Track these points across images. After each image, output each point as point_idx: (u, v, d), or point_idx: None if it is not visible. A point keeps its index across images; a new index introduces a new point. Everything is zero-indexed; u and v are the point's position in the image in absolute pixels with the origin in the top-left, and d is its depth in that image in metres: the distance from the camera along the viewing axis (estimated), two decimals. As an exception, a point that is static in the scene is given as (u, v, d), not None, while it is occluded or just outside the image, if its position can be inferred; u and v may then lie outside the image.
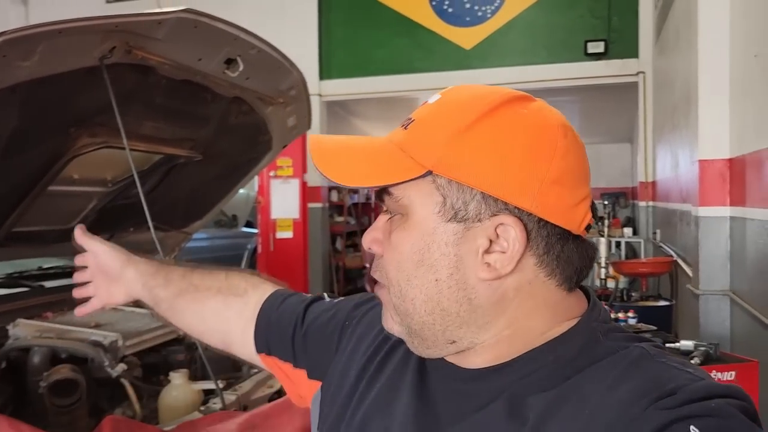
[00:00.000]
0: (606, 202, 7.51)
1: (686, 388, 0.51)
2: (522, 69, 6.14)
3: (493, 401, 0.59)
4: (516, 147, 0.56)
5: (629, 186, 9.17)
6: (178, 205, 2.60)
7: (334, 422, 0.71)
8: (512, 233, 0.56)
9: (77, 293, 1.06)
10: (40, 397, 1.70)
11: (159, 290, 0.96)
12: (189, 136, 2.32)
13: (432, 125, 0.59)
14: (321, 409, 0.77)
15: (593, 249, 0.62)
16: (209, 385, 1.81)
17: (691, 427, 0.47)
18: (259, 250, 5.63)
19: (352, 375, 0.73)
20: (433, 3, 6.44)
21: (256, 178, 5.42)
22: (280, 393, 1.83)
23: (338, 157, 0.63)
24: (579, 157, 0.60)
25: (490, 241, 0.57)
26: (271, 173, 5.47)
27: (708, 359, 1.95)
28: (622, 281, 4.04)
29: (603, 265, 3.66)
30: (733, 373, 1.94)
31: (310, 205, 6.02)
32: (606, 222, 5.62)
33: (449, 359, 0.64)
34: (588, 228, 0.60)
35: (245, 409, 1.73)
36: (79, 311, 1.05)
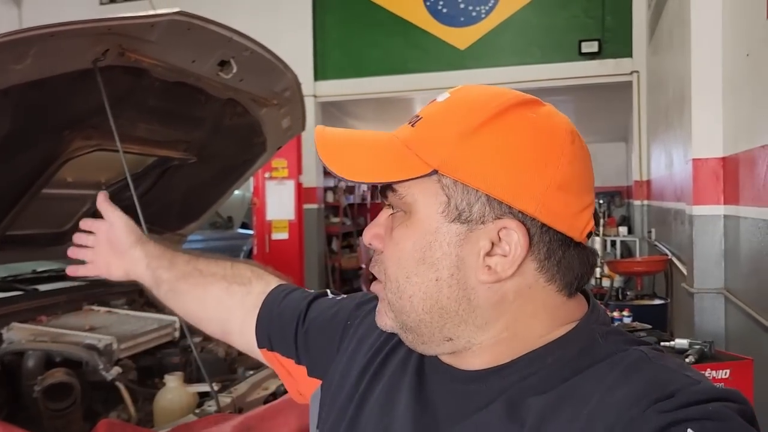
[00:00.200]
0: (601, 201, 7.54)
1: (685, 391, 0.51)
2: (516, 69, 6.15)
3: (491, 402, 0.58)
4: (523, 151, 0.56)
5: (624, 185, 9.20)
6: (173, 207, 2.60)
7: (334, 423, 0.71)
8: (515, 237, 0.56)
9: (72, 252, 1.04)
10: (34, 401, 1.69)
11: (162, 272, 0.95)
12: (183, 138, 2.32)
13: (440, 125, 0.59)
14: (320, 408, 0.77)
15: (594, 256, 0.62)
16: (204, 387, 1.81)
17: (689, 430, 0.47)
18: (255, 251, 5.62)
19: (353, 376, 0.73)
20: (428, 3, 6.44)
21: (252, 180, 5.41)
22: (275, 395, 1.83)
23: (343, 151, 0.63)
24: (585, 164, 0.60)
25: (492, 244, 0.57)
26: (267, 175, 5.46)
27: (703, 357, 1.96)
28: (618, 280, 4.06)
29: (598, 264, 3.68)
30: (728, 371, 1.94)
31: (306, 206, 6.01)
32: (601, 221, 5.64)
33: (447, 361, 0.64)
34: (589, 235, 0.60)
35: (240, 411, 1.73)
36: (71, 270, 1.04)
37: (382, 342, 0.73)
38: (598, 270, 3.67)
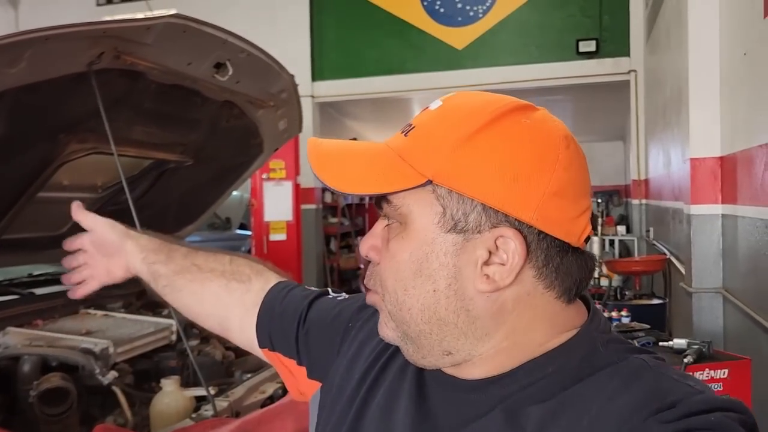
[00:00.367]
0: (599, 201, 7.54)
1: (686, 401, 0.50)
2: (514, 68, 6.14)
3: (491, 411, 0.58)
4: (518, 159, 0.56)
5: (622, 184, 9.20)
6: (170, 210, 2.59)
7: (334, 427, 0.71)
8: (512, 246, 0.56)
9: (67, 279, 1.03)
10: (30, 406, 1.69)
11: (159, 266, 0.94)
12: (179, 141, 2.31)
13: (432, 134, 0.59)
14: (320, 412, 0.76)
15: (593, 261, 0.62)
16: (201, 391, 1.81)
17: None
18: (253, 252, 5.62)
19: (354, 380, 0.72)
20: (425, 3, 6.43)
21: (249, 181, 5.40)
22: (272, 398, 1.83)
23: (336, 162, 0.62)
24: (580, 168, 0.59)
25: (490, 253, 0.57)
26: (264, 176, 5.45)
27: (701, 357, 1.95)
28: (616, 280, 4.06)
29: (597, 267, 3.68)
30: (726, 370, 1.94)
31: (304, 206, 6.01)
32: (599, 221, 5.65)
33: (447, 371, 0.63)
34: (587, 240, 0.60)
35: (237, 415, 1.72)
36: (76, 293, 1.03)
37: (383, 347, 0.72)
38: (596, 270, 3.67)
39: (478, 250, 0.57)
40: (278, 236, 5.45)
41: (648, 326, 2.55)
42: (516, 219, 0.56)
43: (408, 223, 0.59)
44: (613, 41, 5.93)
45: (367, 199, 8.72)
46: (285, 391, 1.79)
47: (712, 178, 2.81)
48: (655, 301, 3.49)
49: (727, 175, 2.71)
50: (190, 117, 2.22)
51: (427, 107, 0.63)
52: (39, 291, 2.42)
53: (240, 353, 2.22)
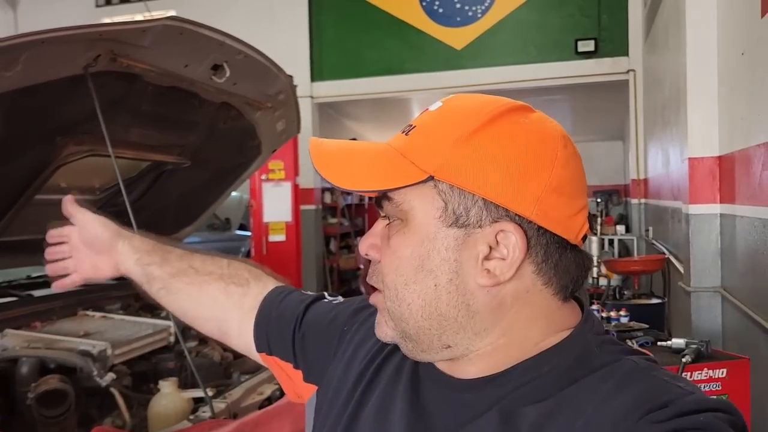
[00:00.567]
0: (599, 200, 7.54)
1: (677, 402, 0.51)
2: (513, 68, 6.14)
3: (487, 411, 0.59)
4: (518, 155, 0.57)
5: (622, 183, 9.20)
6: (168, 212, 2.59)
7: (330, 429, 0.71)
8: (512, 240, 0.57)
9: (51, 269, 1.01)
10: (28, 408, 1.69)
11: (154, 268, 0.92)
12: (177, 143, 2.31)
13: (434, 132, 0.60)
14: (316, 414, 0.76)
15: (589, 260, 0.63)
16: (199, 393, 1.81)
17: None
18: (252, 253, 5.62)
19: (349, 383, 0.72)
20: (424, 3, 6.43)
21: (248, 181, 5.40)
22: (270, 400, 1.83)
23: (338, 160, 0.63)
24: (578, 167, 0.61)
25: (490, 248, 0.57)
26: (263, 176, 5.44)
27: (699, 357, 1.95)
28: (615, 279, 4.06)
29: (595, 263, 3.67)
30: (725, 370, 1.93)
31: (304, 207, 6.00)
32: (598, 220, 5.65)
33: (443, 368, 0.64)
34: (584, 238, 0.61)
35: (235, 417, 1.73)
36: (58, 284, 1.01)
37: (378, 349, 0.73)
38: (595, 269, 3.67)
39: (479, 244, 0.58)
40: (277, 237, 5.45)
41: (647, 326, 2.55)
42: (516, 214, 0.57)
43: (409, 219, 0.60)
44: (611, 41, 5.93)
45: (366, 199, 8.72)
46: (283, 393, 1.79)
47: (710, 177, 2.81)
48: (654, 301, 3.48)
49: (726, 174, 2.71)
50: (188, 119, 2.22)
51: (427, 108, 0.64)
52: (37, 293, 2.42)
53: (238, 355, 2.22)
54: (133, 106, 2.00)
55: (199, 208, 2.74)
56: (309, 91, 6.51)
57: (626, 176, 8.08)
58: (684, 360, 1.91)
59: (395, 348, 0.66)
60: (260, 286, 0.89)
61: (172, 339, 2.13)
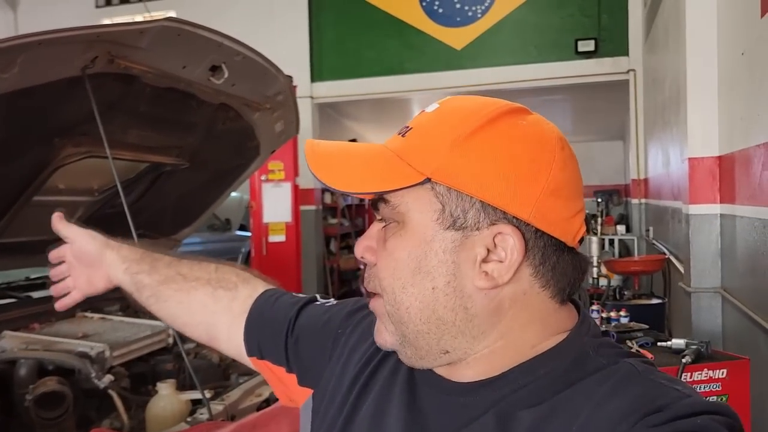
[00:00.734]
0: (599, 200, 7.52)
1: (673, 405, 0.51)
2: (513, 68, 6.14)
3: (483, 415, 0.58)
4: (516, 157, 0.57)
5: (622, 183, 9.19)
6: (167, 213, 2.59)
7: None
8: (510, 242, 0.56)
9: (55, 290, 1.03)
10: (26, 410, 1.69)
11: (143, 276, 0.93)
12: (175, 144, 2.31)
13: (431, 133, 0.59)
14: (313, 417, 0.76)
15: (586, 262, 0.62)
16: (197, 394, 1.80)
17: None
18: (252, 254, 5.61)
19: (344, 386, 0.72)
20: (424, 3, 6.43)
21: (248, 182, 5.40)
22: (268, 402, 1.82)
23: (334, 162, 0.62)
24: (575, 170, 0.61)
25: (488, 250, 0.57)
26: (263, 177, 5.44)
27: (699, 357, 1.95)
28: (615, 279, 4.05)
29: (595, 264, 3.67)
30: (725, 370, 1.93)
31: (304, 207, 6.00)
32: (599, 220, 5.64)
33: (439, 372, 0.63)
34: (581, 241, 0.61)
35: (233, 418, 1.72)
36: (59, 305, 1.02)
37: (373, 352, 0.72)
38: (595, 270, 3.66)
39: (476, 247, 0.57)
40: (277, 238, 5.44)
41: (646, 326, 2.55)
42: (514, 216, 0.57)
43: (406, 221, 0.59)
44: (611, 41, 5.92)
45: (367, 200, 8.72)
46: (281, 394, 1.79)
47: (710, 177, 2.81)
48: (654, 301, 3.47)
49: (726, 174, 2.70)
50: (186, 120, 2.22)
51: (423, 110, 0.63)
52: (36, 294, 2.42)
53: (237, 356, 2.22)
54: (131, 108, 1.99)
55: (197, 209, 2.74)
56: (309, 92, 6.51)
57: (627, 176, 8.07)
58: (684, 360, 1.90)
59: (390, 351, 0.66)
60: (249, 289, 0.89)
61: (170, 340, 2.13)
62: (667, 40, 3.86)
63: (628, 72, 5.87)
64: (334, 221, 7.45)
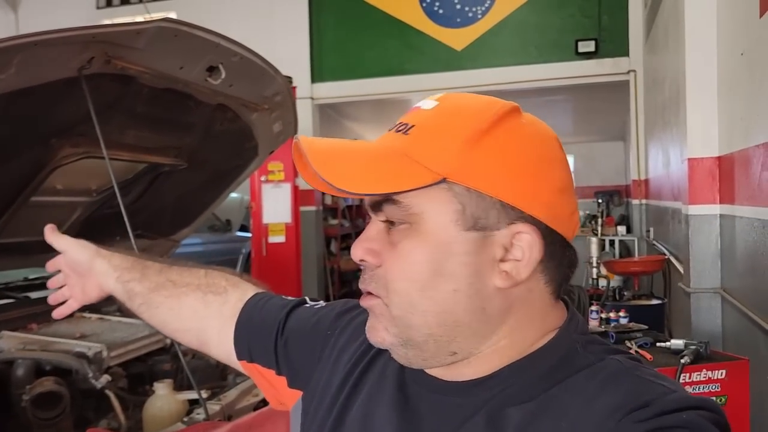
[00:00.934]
0: (600, 201, 7.52)
1: (659, 401, 0.51)
2: (513, 69, 6.13)
3: (475, 414, 0.58)
4: (528, 156, 0.57)
5: (623, 184, 9.18)
6: (165, 213, 2.59)
7: None
8: (529, 241, 0.57)
9: (52, 299, 1.04)
10: (23, 411, 1.69)
11: (134, 284, 0.93)
12: (173, 144, 2.31)
13: (441, 132, 0.57)
14: (302, 420, 0.76)
15: (577, 257, 0.63)
16: (194, 395, 1.80)
17: None
18: (252, 255, 5.60)
19: (333, 387, 0.72)
20: (424, 4, 6.43)
21: (248, 183, 5.39)
22: (265, 402, 1.82)
23: (337, 161, 0.58)
24: (569, 167, 0.62)
25: (505, 250, 0.57)
26: (262, 178, 5.43)
27: (698, 358, 1.94)
28: (615, 280, 4.04)
29: (594, 264, 3.66)
30: (724, 371, 1.92)
31: (304, 208, 5.99)
32: (599, 221, 5.64)
33: (432, 372, 0.63)
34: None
35: (230, 418, 1.72)
36: (57, 313, 1.03)
37: (362, 352, 0.72)
38: (594, 270, 3.65)
39: (495, 247, 0.57)
40: (277, 238, 5.43)
41: (646, 327, 2.54)
42: (530, 215, 0.57)
43: (420, 223, 0.57)
44: (612, 41, 5.92)
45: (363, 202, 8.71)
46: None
47: (710, 178, 2.80)
48: (654, 302, 3.47)
49: (725, 175, 2.70)
50: (184, 120, 2.22)
51: (417, 106, 0.62)
52: (34, 295, 2.42)
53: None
54: (129, 108, 2.00)
55: (196, 210, 2.74)
56: (309, 93, 6.51)
57: (627, 177, 8.07)
58: (683, 361, 1.90)
59: (381, 350, 0.65)
60: (239, 293, 0.89)
61: (167, 341, 2.13)
62: (667, 40, 3.85)
63: (628, 72, 5.87)
64: (334, 222, 7.45)
